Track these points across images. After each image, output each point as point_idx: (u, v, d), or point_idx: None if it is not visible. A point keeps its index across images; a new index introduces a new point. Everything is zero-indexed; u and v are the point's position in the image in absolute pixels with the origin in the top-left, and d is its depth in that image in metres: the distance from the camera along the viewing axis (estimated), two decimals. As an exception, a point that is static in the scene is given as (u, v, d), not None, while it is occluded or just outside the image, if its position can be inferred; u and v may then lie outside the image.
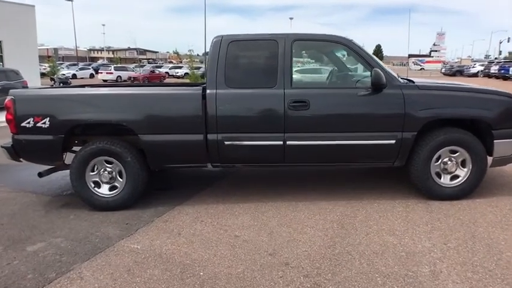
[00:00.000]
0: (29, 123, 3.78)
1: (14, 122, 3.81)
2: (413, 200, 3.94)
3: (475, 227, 3.33)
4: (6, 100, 3.86)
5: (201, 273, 2.70)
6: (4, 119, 3.99)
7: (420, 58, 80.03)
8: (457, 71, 43.04)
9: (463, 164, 3.88)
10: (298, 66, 8.06)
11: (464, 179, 3.88)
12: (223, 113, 3.73)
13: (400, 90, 3.72)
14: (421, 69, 61.06)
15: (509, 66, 28.75)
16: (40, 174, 4.05)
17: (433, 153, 3.81)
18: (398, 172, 4.35)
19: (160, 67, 45.18)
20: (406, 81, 4.01)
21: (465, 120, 3.84)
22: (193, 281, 2.60)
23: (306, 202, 3.98)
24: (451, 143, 3.79)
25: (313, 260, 2.84)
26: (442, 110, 3.75)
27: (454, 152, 3.85)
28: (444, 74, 44.21)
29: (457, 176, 3.91)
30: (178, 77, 38.84)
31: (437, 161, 3.87)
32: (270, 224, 3.51)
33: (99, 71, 35.29)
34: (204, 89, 3.80)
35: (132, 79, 31.00)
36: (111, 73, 32.34)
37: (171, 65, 49.45)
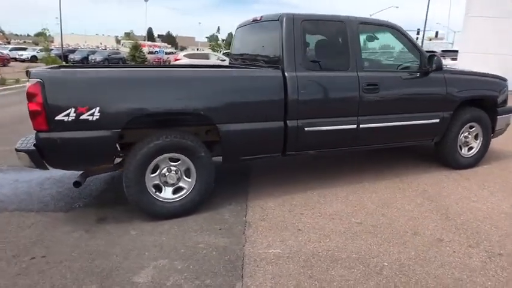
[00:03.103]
0: (68, 115, 2.80)
1: (44, 115, 2.76)
2: (446, 172, 4.49)
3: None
4: (29, 85, 2.75)
5: (385, 264, 2.58)
6: None
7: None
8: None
9: (476, 137, 4.61)
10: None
11: (477, 149, 4.63)
12: (305, 97, 3.50)
13: (442, 74, 4.15)
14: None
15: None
16: (78, 184, 3.06)
17: (460, 129, 4.41)
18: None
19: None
20: None
21: (480, 99, 4.55)
22: (390, 273, 2.47)
23: (367, 183, 4.11)
24: (472, 119, 4.46)
25: (441, 228, 3.03)
26: (470, 92, 4.37)
27: (472, 127, 4.53)
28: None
29: (471, 148, 4.62)
30: (23, 61, 32.65)
31: (460, 136, 4.50)
32: (367, 206, 3.52)
33: None
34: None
35: None
36: None
37: (10, 46, 41.09)
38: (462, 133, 4.48)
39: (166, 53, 43.15)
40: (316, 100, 3.58)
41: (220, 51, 35.00)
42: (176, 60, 20.46)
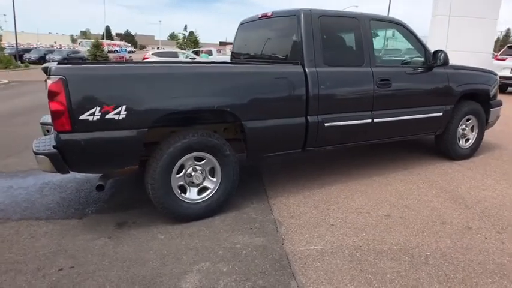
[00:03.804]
0: (93, 114, 2.61)
1: (67, 115, 2.56)
2: (448, 163, 4.66)
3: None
4: (51, 82, 2.54)
5: (428, 253, 2.62)
6: None
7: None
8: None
9: (472, 128, 4.83)
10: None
11: (473, 140, 4.85)
12: (324, 92, 3.49)
13: (444, 69, 4.30)
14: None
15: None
16: (101, 187, 2.87)
17: (459, 121, 4.60)
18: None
19: None
20: None
21: (476, 93, 4.75)
22: (436, 262, 2.51)
23: (378, 176, 4.18)
24: (470, 112, 4.66)
25: (465, 216, 3.14)
26: (469, 86, 4.56)
27: (468, 119, 4.74)
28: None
29: (468, 139, 4.84)
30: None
31: (459, 128, 4.69)
32: (388, 199, 3.57)
33: None
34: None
35: None
36: None
37: None
38: (461, 125, 4.67)
39: (128, 52, 41.92)
40: (335, 95, 3.58)
41: (189, 49, 34.45)
42: (145, 58, 19.86)
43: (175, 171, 2.99)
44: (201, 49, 28.80)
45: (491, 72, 4.95)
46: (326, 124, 3.53)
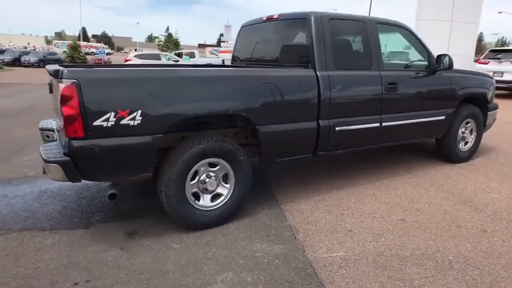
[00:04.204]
0: (107, 120, 2.49)
1: (81, 121, 2.43)
2: (449, 166, 4.72)
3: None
4: (63, 86, 2.40)
5: (450, 258, 2.62)
6: None
7: (216, 48, 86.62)
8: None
9: (471, 131, 4.92)
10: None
11: (472, 143, 4.94)
12: (336, 96, 3.46)
13: (447, 73, 4.36)
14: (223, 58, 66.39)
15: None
16: (114, 196, 2.74)
17: (459, 124, 4.67)
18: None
19: None
20: None
21: (475, 97, 4.84)
22: (461, 267, 2.51)
23: (385, 180, 4.19)
24: (469, 115, 4.74)
25: (477, 219, 3.17)
26: (469, 89, 4.64)
27: (467, 123, 4.82)
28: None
29: (467, 142, 4.92)
30: None
31: (459, 131, 4.76)
32: (399, 203, 3.57)
33: None
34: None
35: None
36: None
37: None
38: (461, 129, 4.75)
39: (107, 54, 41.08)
40: (346, 99, 3.56)
41: (171, 52, 34.05)
42: (127, 60, 19.47)
43: (189, 178, 2.89)
44: (183, 51, 28.50)
45: (487, 76, 5.06)
46: (337, 128, 3.51)
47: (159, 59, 21.25)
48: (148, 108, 2.60)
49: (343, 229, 3.04)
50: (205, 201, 3.03)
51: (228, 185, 3.09)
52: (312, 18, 3.45)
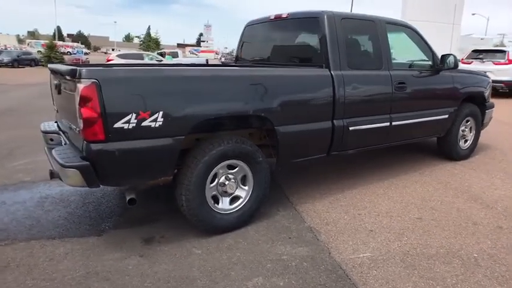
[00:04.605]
0: (128, 122, 2.38)
1: (101, 123, 2.31)
2: (450, 164, 4.80)
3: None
4: (82, 86, 2.28)
5: (475, 255, 2.63)
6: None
7: (196, 48, 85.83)
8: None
9: (471, 130, 5.01)
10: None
11: (471, 141, 5.04)
12: (349, 96, 3.45)
13: (450, 73, 4.42)
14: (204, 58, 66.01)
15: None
16: (134, 201, 2.62)
17: (460, 123, 4.75)
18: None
19: None
20: None
21: (474, 95, 4.92)
22: (487, 264, 2.53)
23: (393, 178, 4.21)
24: (469, 114, 4.83)
25: (491, 216, 3.21)
26: (470, 88, 4.72)
27: (467, 121, 4.91)
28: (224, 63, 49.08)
29: (466, 140, 5.01)
30: None
31: (460, 129, 4.84)
32: (412, 201, 3.59)
33: None
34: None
35: None
36: None
37: None
38: (461, 127, 4.83)
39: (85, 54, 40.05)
40: (359, 99, 3.55)
41: (155, 51, 33.52)
42: (109, 60, 19.01)
43: (209, 180, 2.81)
44: (165, 51, 28.11)
45: (484, 75, 5.17)
46: (350, 128, 3.49)
47: (142, 59, 20.86)
48: (170, 109, 2.51)
49: (364, 229, 3.02)
50: (224, 204, 2.95)
51: (246, 187, 3.02)
52: (325, 17, 3.42)
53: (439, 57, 4.31)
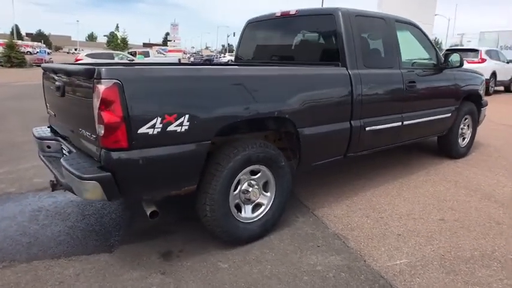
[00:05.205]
0: (153, 127, 2.15)
1: (125, 129, 2.06)
2: (451, 162, 4.82)
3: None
4: (104, 88, 2.02)
5: (510, 256, 2.59)
6: None
7: (163, 47, 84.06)
8: (207, 60, 48.28)
9: (468, 127, 5.07)
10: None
11: (468, 139, 5.09)
12: (366, 96, 3.34)
13: (451, 71, 4.43)
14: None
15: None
16: (156, 214, 2.37)
17: (460, 121, 4.78)
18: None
19: None
20: None
21: (472, 94, 4.96)
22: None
23: (401, 179, 4.16)
24: (468, 112, 4.88)
25: (509, 215, 3.22)
26: (469, 87, 4.76)
27: (465, 119, 4.96)
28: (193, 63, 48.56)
29: (464, 138, 5.07)
30: None
31: (459, 127, 4.88)
32: (428, 202, 3.53)
33: None
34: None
35: None
36: None
37: None
38: (460, 125, 4.87)
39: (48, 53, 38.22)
40: (374, 98, 3.46)
41: (126, 50, 32.49)
42: (77, 60, 18.13)
43: (233, 188, 2.61)
44: (136, 50, 27.27)
45: (478, 72, 5.25)
46: (367, 128, 3.39)
47: (113, 58, 20.09)
48: (196, 112, 2.29)
49: (392, 233, 2.92)
50: (247, 212, 2.76)
51: (268, 194, 2.84)
52: (340, 14, 3.29)
53: (441, 55, 4.30)
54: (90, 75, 2.08)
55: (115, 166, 2.10)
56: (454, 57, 4.15)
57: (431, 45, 4.28)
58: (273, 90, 2.69)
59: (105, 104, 2.02)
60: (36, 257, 2.59)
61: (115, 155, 2.09)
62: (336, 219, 3.16)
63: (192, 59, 50.58)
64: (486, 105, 5.30)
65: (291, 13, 3.74)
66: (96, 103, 2.04)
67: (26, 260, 2.55)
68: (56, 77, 2.71)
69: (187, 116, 2.24)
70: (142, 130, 2.11)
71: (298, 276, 2.38)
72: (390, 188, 3.88)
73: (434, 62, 4.26)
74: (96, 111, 2.06)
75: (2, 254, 2.62)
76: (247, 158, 2.59)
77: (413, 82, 3.80)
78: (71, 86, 2.48)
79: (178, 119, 2.22)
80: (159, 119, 2.15)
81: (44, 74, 3.16)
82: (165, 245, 2.75)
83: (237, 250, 2.67)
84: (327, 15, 3.39)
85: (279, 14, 3.87)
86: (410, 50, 4.13)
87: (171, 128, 2.20)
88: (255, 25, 4.23)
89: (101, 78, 2.02)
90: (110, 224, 3.09)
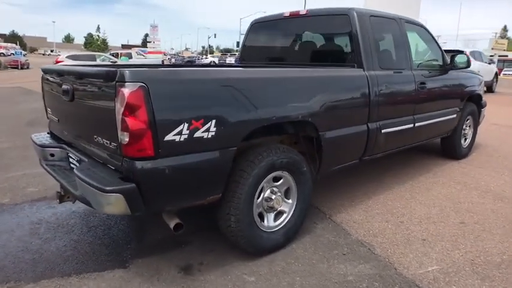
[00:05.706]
0: (180, 133, 1.99)
1: (151, 136, 1.90)
2: (455, 163, 4.82)
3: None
4: (129, 92, 1.85)
5: (542, 261, 2.55)
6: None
7: (142, 49, 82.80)
8: (189, 61, 47.81)
9: (469, 128, 5.09)
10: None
11: (470, 139, 5.12)
12: (382, 97, 3.27)
13: (456, 72, 4.43)
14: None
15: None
16: (180, 226, 2.21)
17: (463, 122, 4.79)
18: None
19: None
20: None
21: (473, 94, 4.98)
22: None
23: (411, 181, 4.11)
24: (470, 113, 4.90)
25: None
26: (472, 88, 4.77)
27: (467, 120, 4.98)
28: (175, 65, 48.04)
29: (466, 139, 5.08)
30: None
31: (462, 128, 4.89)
32: (443, 204, 3.49)
33: None
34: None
35: None
36: None
37: None
38: (463, 125, 4.88)
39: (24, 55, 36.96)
40: (390, 100, 3.39)
41: (108, 52, 31.78)
42: (58, 62, 17.52)
43: (256, 196, 2.47)
44: (119, 52, 26.66)
45: (476, 73, 5.29)
46: (382, 131, 3.32)
47: (95, 60, 19.54)
48: (222, 117, 2.15)
49: (416, 239, 2.84)
50: (269, 221, 2.63)
51: (290, 201, 2.72)
52: (355, 14, 3.21)
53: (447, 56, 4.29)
54: (112, 77, 1.91)
55: (140, 176, 1.93)
56: (461, 58, 4.13)
57: (437, 45, 4.26)
58: (298, 92, 2.57)
59: (130, 109, 1.85)
60: (44, 276, 2.38)
61: (140, 164, 1.92)
62: (356, 225, 3.07)
63: (173, 60, 49.90)
64: (485, 106, 5.35)
65: (300, 13, 3.64)
66: (120, 108, 1.87)
67: (33, 280, 2.34)
68: (62, 80, 2.51)
69: (214, 121, 2.10)
70: (169, 137, 1.95)
71: (329, 287, 2.27)
72: (403, 190, 3.83)
73: (441, 63, 4.24)
74: (119, 117, 1.89)
75: (5, 273, 2.41)
76: (271, 164, 2.46)
77: (424, 83, 3.76)
78: (83, 90, 2.29)
79: (205, 124, 2.07)
80: (186, 125, 2.00)
81: (43, 77, 2.94)
82: (183, 257, 2.59)
83: (261, 261, 2.54)
84: (342, 16, 3.30)
85: (288, 14, 3.76)
86: (419, 50, 4.10)
87: (198, 134, 2.05)
88: (260, 26, 4.11)
89: (124, 81, 1.86)
90: (119, 235, 2.90)
